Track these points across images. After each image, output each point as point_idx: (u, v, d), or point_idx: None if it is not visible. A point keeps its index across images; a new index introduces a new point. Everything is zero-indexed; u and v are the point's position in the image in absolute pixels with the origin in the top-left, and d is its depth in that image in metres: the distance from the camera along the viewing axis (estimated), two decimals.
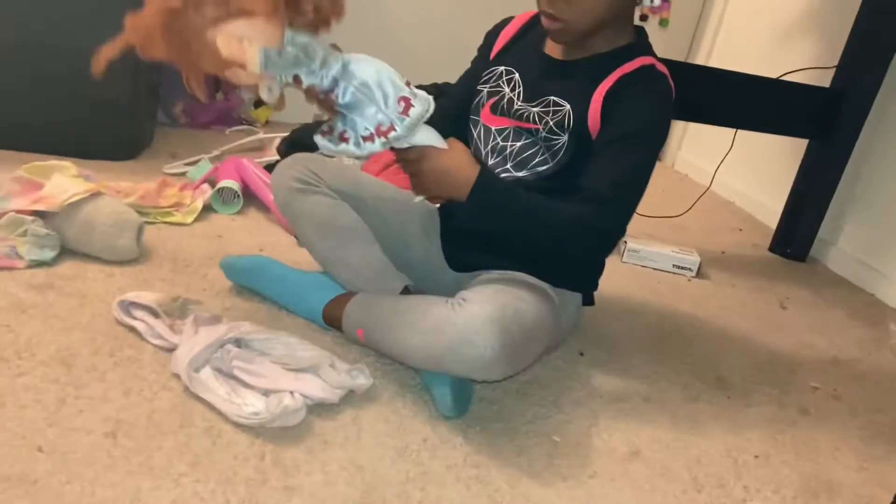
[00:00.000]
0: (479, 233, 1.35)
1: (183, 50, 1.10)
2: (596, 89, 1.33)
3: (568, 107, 1.33)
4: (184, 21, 1.09)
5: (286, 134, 2.34)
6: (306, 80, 1.15)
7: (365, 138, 1.18)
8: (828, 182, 2.37)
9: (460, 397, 1.29)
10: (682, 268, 2.14)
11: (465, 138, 1.46)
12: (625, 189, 1.30)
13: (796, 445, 1.41)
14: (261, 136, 2.53)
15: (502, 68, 1.44)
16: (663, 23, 1.41)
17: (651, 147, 1.34)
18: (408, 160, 1.26)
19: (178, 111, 2.62)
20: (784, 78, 2.24)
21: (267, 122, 2.83)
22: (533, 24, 1.47)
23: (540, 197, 1.29)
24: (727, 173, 2.69)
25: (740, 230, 2.69)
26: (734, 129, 2.42)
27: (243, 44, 1.08)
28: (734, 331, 1.86)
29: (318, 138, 1.23)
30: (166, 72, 2.50)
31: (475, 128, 1.46)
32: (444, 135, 1.27)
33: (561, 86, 1.36)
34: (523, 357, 1.27)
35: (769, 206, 2.69)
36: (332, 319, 1.44)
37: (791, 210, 2.46)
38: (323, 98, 1.17)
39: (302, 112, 2.66)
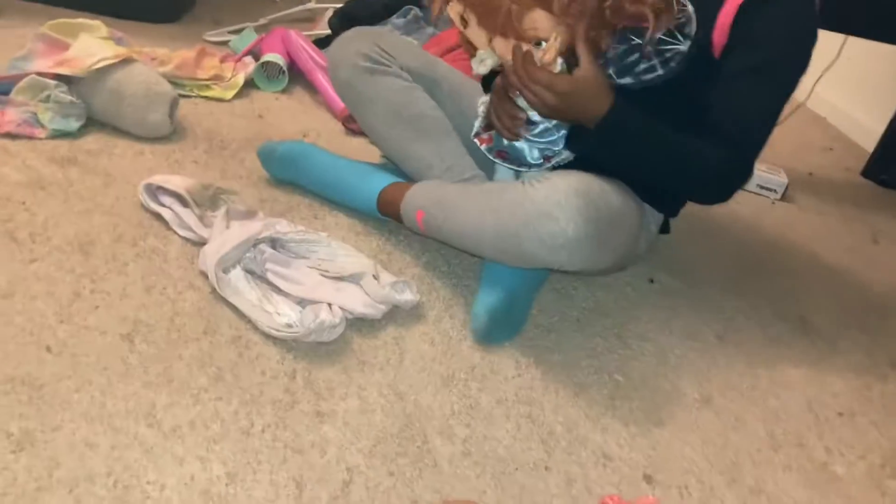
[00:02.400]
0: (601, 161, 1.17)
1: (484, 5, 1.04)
2: None
3: (691, 8, 1.11)
4: None
5: (339, 5, 2.12)
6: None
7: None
8: None
9: (499, 322, 1.14)
10: (767, 188, 1.93)
11: None
12: (757, 132, 1.13)
13: (886, 404, 1.26)
14: (312, 5, 2.31)
15: None
16: None
17: (788, 82, 1.14)
18: (536, 81, 1.05)
19: None
20: None
21: None
22: None
23: (672, 133, 1.10)
24: (821, 85, 2.42)
25: (831, 149, 2.44)
26: (843, 36, 2.13)
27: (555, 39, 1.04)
28: (821, 264, 1.67)
29: None
30: None
31: None
32: None
33: None
34: (608, 244, 1.08)
35: (867, 125, 2.42)
36: (388, 206, 1.28)
37: (893, 131, 2.20)
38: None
39: None
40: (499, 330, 1.15)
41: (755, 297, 1.46)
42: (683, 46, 1.07)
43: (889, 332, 1.46)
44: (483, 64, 1.11)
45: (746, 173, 1.17)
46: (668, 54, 1.07)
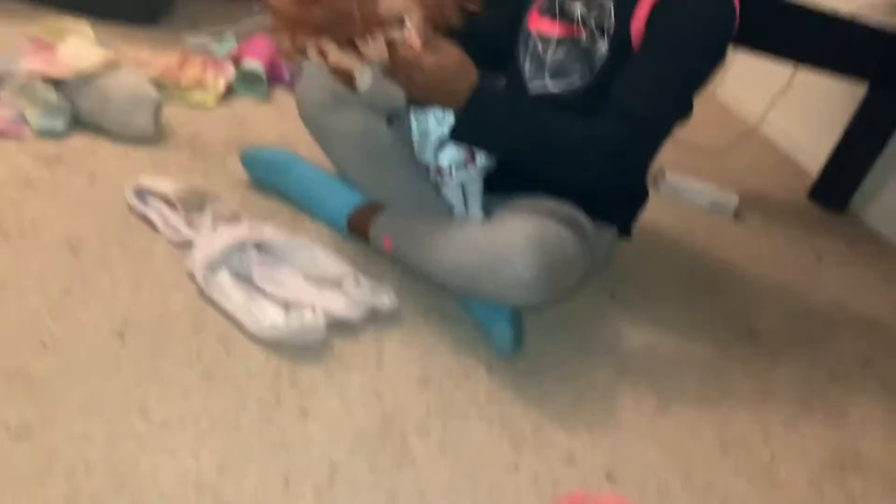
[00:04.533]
0: (478, 147, 1.23)
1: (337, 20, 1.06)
2: None
3: (611, 4, 1.18)
4: None
5: None
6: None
7: None
8: (882, 131, 2.24)
9: (519, 334, 1.22)
10: (720, 207, 2.04)
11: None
12: (652, 105, 1.14)
13: (825, 414, 1.36)
14: None
15: None
16: None
17: (694, 67, 1.17)
18: (402, 62, 1.09)
19: None
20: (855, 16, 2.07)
21: None
22: None
23: (552, 113, 1.15)
24: (773, 111, 2.55)
25: (779, 172, 2.57)
26: (793, 65, 2.26)
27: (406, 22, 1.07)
28: (769, 281, 1.78)
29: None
30: None
31: (521, 33, 1.32)
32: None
33: None
34: (562, 284, 1.17)
35: (813, 150, 2.56)
36: (357, 225, 1.34)
37: (837, 157, 2.34)
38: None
39: None
40: (520, 340, 1.23)
41: (708, 310, 1.56)
42: (603, 47, 1.14)
43: (830, 348, 1.57)
44: (364, 78, 1.12)
45: (641, 148, 1.18)
46: (594, 58, 1.15)
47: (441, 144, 1.25)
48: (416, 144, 1.28)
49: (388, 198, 1.35)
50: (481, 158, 1.26)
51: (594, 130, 1.14)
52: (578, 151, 1.15)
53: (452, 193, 1.31)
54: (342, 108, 1.35)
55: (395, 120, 1.36)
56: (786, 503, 1.14)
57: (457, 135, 1.18)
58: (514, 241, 1.11)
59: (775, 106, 2.46)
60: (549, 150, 1.17)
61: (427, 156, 1.27)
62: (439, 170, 1.28)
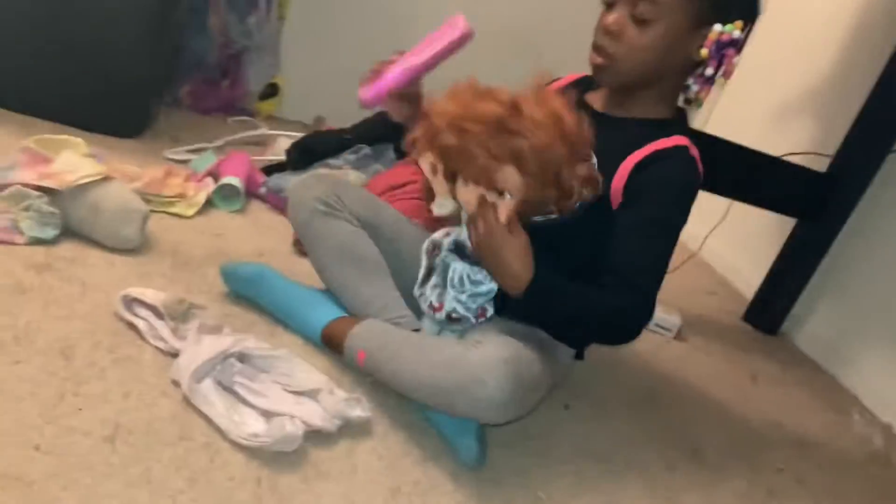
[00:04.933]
0: (518, 319, 1.36)
1: (462, 155, 1.23)
2: (628, 156, 1.35)
3: (595, 160, 1.34)
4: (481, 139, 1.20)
5: (292, 133, 2.32)
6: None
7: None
8: (810, 262, 2.44)
9: (483, 447, 1.31)
10: (663, 327, 2.19)
11: None
12: (654, 276, 1.35)
13: None
14: (265, 131, 2.50)
15: None
16: (698, 103, 1.43)
17: (676, 233, 1.39)
18: (483, 217, 1.25)
19: (183, 93, 2.57)
20: (783, 158, 2.31)
21: (269, 117, 2.80)
22: (581, 82, 1.50)
23: (583, 288, 1.31)
24: (711, 238, 2.76)
25: (716, 294, 2.76)
26: (729, 200, 2.48)
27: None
28: (709, 400, 1.90)
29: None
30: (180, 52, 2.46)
31: None
32: None
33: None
34: (527, 403, 1.29)
35: (748, 275, 2.76)
36: (331, 338, 1.43)
37: (769, 283, 2.53)
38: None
39: (306, 111, 2.68)
40: (484, 454, 1.31)
41: (655, 426, 1.67)
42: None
43: (767, 464, 1.69)
44: (443, 207, 1.31)
45: (648, 314, 1.36)
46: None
47: (458, 299, 1.34)
48: (430, 279, 1.37)
49: (358, 303, 1.45)
50: (490, 312, 1.35)
51: (616, 302, 1.31)
52: (606, 323, 1.34)
53: (430, 324, 1.41)
54: (332, 217, 1.46)
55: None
56: None
57: (510, 314, 1.34)
58: (489, 362, 1.20)
59: (715, 234, 2.67)
60: (580, 321, 1.35)
61: (428, 294, 1.37)
62: (431, 306, 1.36)
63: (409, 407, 1.37)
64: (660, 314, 2.19)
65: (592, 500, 1.34)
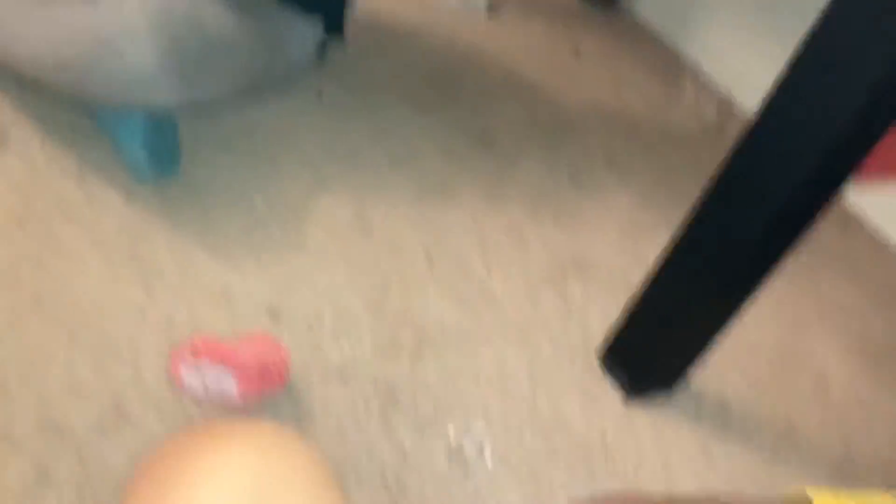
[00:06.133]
0: None
1: None
2: None
3: None
4: None
5: None
6: None
7: None
8: None
9: (164, 152, 0.95)
10: (470, 2, 1.80)
11: None
12: None
13: (557, 218, 1.23)
14: None
15: None
16: None
17: None
18: None
19: None
20: None
21: None
22: None
23: None
24: None
25: None
26: None
27: None
28: (517, 81, 1.59)
29: None
30: None
31: None
32: None
33: None
34: (205, 78, 0.92)
35: None
36: None
37: None
38: None
39: None
40: (163, 161, 0.96)
41: (439, 111, 1.36)
42: None
43: (571, 146, 1.44)
44: None
45: None
46: None
47: None
48: None
49: None
50: None
51: None
52: None
53: None
54: None
55: None
56: (497, 321, 1.00)
57: None
58: (125, 22, 0.82)
59: None
60: None
61: None
62: None
63: (67, 105, 0.99)
64: None
65: (333, 206, 1.05)
